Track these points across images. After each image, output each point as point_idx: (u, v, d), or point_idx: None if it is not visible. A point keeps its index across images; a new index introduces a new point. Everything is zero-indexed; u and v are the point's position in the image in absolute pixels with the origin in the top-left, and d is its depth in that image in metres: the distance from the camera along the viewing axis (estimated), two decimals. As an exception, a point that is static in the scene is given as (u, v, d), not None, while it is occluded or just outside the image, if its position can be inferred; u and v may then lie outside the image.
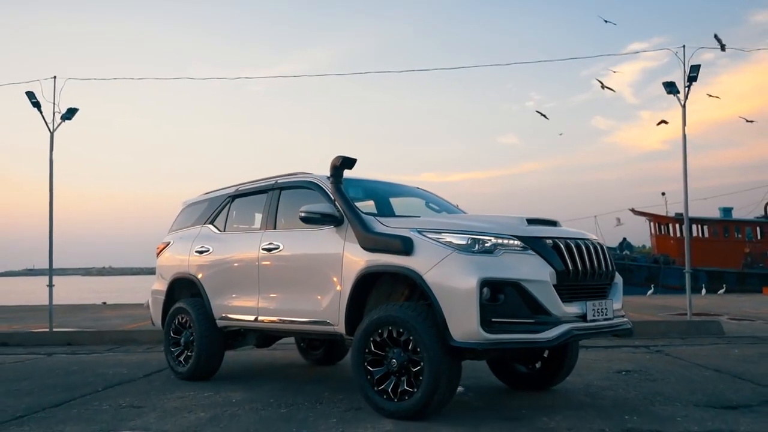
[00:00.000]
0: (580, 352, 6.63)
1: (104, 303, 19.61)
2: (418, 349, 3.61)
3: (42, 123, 9.45)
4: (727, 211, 28.24)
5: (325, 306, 4.26)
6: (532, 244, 3.67)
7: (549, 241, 3.72)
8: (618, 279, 4.23)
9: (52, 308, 9.44)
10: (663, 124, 11.38)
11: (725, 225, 27.71)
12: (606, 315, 3.88)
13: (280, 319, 4.68)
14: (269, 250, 4.79)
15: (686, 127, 8.93)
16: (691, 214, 28.10)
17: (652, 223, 28.02)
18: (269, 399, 4.54)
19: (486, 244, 3.61)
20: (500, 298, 3.49)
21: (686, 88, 8.87)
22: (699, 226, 27.77)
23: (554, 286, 3.60)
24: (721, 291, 21.80)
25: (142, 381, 5.46)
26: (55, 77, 9.50)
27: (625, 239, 27.51)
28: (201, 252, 5.52)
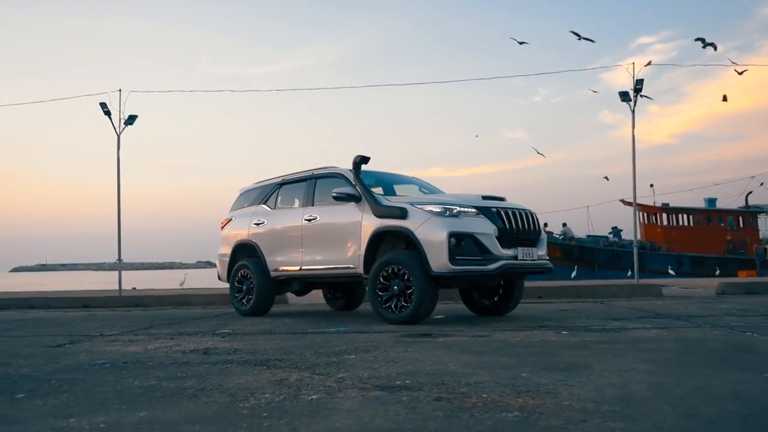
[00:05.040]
0: (539, 305, 8.72)
1: (134, 288, 21.73)
2: (411, 279, 5.71)
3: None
4: (711, 201, 30.24)
5: (350, 255, 6.38)
6: (483, 211, 5.77)
7: (494, 209, 5.82)
8: (543, 236, 6.32)
9: (120, 277, 11.63)
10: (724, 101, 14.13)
11: (708, 214, 29.70)
12: (532, 258, 5.98)
13: (318, 267, 6.81)
14: (309, 220, 6.91)
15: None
16: (680, 204, 29.93)
17: (640, 213, 29.97)
18: (311, 319, 6.70)
19: (453, 211, 5.71)
20: (462, 244, 5.58)
21: (634, 97, 10.92)
22: (685, 215, 29.77)
23: (496, 237, 5.69)
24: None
25: (215, 318, 7.59)
26: (120, 90, 11.67)
27: (615, 227, 29.48)
28: (258, 224, 7.65)
